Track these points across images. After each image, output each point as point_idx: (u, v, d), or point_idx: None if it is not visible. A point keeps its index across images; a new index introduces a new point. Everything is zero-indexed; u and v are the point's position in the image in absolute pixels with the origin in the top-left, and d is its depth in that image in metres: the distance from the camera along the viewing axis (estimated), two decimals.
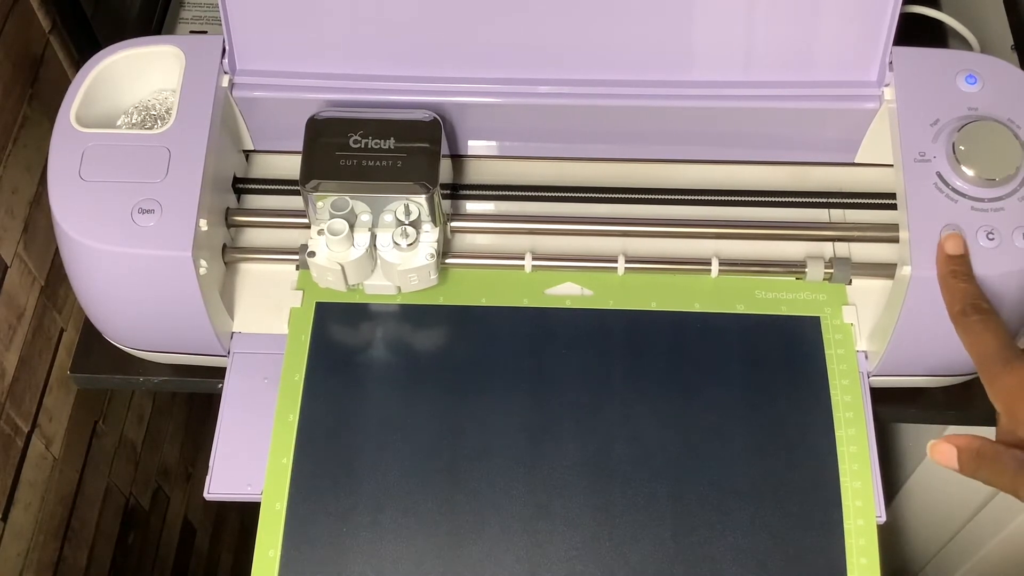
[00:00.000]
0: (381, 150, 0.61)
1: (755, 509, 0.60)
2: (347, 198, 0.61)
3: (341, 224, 0.61)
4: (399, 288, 0.65)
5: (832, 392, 0.63)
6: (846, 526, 0.59)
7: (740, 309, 0.66)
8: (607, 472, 0.61)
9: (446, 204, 0.67)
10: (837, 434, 0.62)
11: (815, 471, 0.61)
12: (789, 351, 0.64)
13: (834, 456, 0.61)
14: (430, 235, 0.62)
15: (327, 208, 0.62)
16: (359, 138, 0.62)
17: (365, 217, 0.62)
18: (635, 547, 0.59)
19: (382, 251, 0.62)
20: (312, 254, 0.62)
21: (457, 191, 0.69)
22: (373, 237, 0.62)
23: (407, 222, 0.62)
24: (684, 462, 0.61)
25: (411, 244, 0.62)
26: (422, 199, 0.61)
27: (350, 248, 0.62)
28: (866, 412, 0.63)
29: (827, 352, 0.64)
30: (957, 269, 0.57)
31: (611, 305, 0.66)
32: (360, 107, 0.65)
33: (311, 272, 0.63)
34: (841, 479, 0.61)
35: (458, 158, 0.70)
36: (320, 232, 0.62)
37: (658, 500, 0.60)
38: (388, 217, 0.62)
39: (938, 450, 0.50)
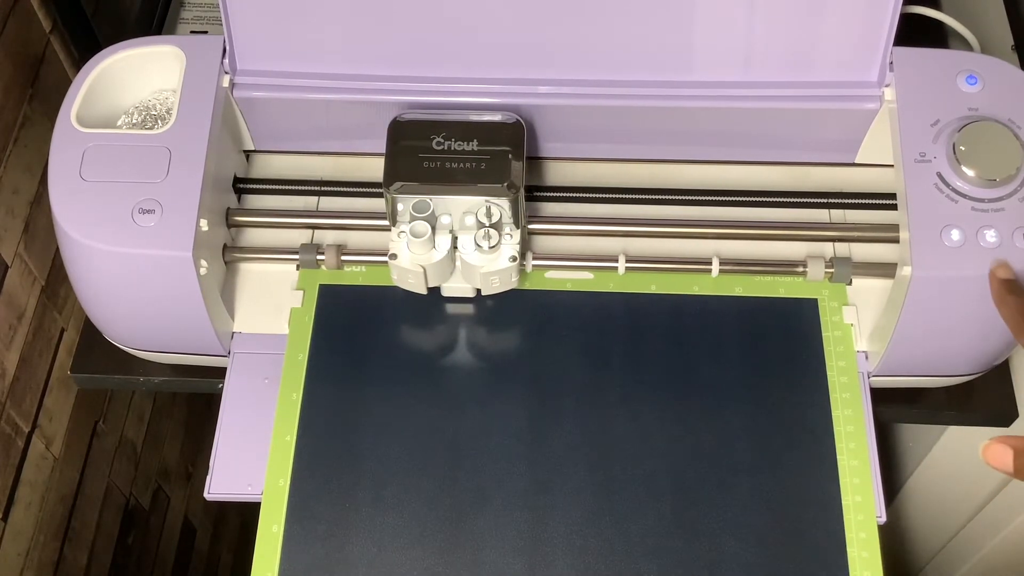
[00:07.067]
0: (464, 152, 0.62)
1: (754, 485, 0.61)
2: (428, 200, 0.61)
3: (424, 226, 0.61)
4: (478, 290, 0.65)
5: (830, 384, 0.63)
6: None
7: (738, 292, 0.66)
8: (607, 449, 0.62)
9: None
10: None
11: (812, 448, 0.61)
12: (787, 331, 0.65)
13: (831, 435, 0.62)
14: (512, 237, 0.63)
15: (408, 210, 0.62)
16: (442, 140, 0.62)
17: (445, 219, 0.62)
18: (635, 522, 0.60)
19: (464, 253, 0.62)
20: (394, 256, 0.62)
21: None
22: (454, 239, 0.62)
23: (488, 224, 0.62)
24: (683, 440, 0.62)
25: (494, 247, 0.62)
26: (505, 201, 0.61)
27: (432, 250, 0.62)
28: (866, 413, 0.63)
29: (824, 334, 0.65)
30: (1013, 284, 0.56)
31: (611, 288, 0.66)
32: (362, 107, 0.65)
33: (391, 274, 0.64)
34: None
35: None
36: (400, 234, 0.62)
37: (657, 476, 0.61)
38: (469, 219, 0.62)
39: (991, 452, 0.47)
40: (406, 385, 0.64)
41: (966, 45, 0.75)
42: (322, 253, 0.66)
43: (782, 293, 0.66)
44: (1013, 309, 0.55)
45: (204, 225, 0.60)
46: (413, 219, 0.62)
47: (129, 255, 0.59)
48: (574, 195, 0.69)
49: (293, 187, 0.69)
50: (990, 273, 0.57)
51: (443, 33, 0.64)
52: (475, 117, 0.63)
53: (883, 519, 0.60)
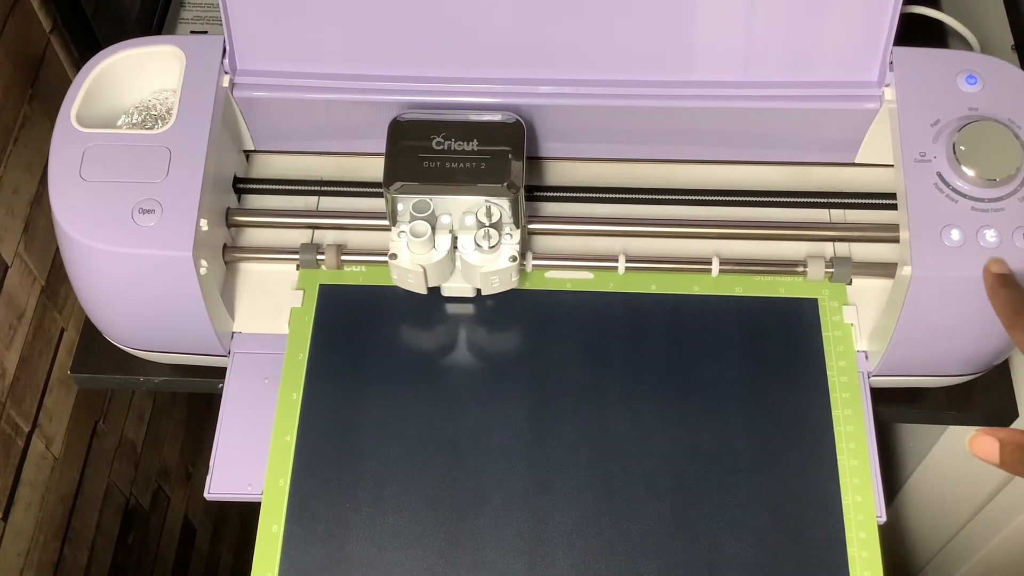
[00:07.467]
0: (464, 152, 0.62)
1: (754, 485, 0.61)
2: (428, 200, 0.62)
3: (424, 226, 0.61)
4: (478, 290, 0.65)
5: (830, 384, 0.63)
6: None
7: (739, 291, 0.66)
8: (607, 449, 0.62)
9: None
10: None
11: (813, 448, 0.61)
12: (787, 331, 0.65)
13: (831, 435, 0.62)
14: (512, 237, 0.63)
15: (408, 210, 0.62)
16: (442, 140, 0.62)
17: (446, 219, 0.62)
18: (635, 522, 0.60)
19: (464, 253, 0.62)
20: (394, 256, 0.62)
21: None
22: (454, 239, 0.62)
23: (488, 224, 0.62)
24: (683, 440, 0.62)
25: (493, 246, 0.62)
26: (505, 201, 0.61)
27: (432, 250, 0.62)
28: (866, 413, 0.63)
29: (824, 334, 0.65)
30: (1005, 278, 0.56)
31: (611, 288, 0.66)
32: (362, 107, 0.65)
33: (391, 274, 0.64)
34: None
35: None
36: (400, 234, 0.62)
37: (657, 476, 0.61)
38: (469, 219, 0.62)
39: (978, 443, 0.48)
40: (406, 385, 0.64)
41: (966, 45, 0.75)
42: (322, 253, 0.67)
43: (782, 293, 0.66)
44: (1005, 302, 0.55)
45: (204, 225, 0.60)
46: (413, 219, 0.62)
47: (129, 255, 0.59)
48: (574, 195, 0.69)
49: (293, 187, 0.69)
50: (984, 268, 0.57)
51: (443, 33, 0.64)
52: (475, 117, 0.63)
53: (883, 519, 0.60)
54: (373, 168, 0.66)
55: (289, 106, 0.66)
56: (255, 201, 0.70)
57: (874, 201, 0.67)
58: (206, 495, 0.62)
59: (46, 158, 0.62)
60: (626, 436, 0.62)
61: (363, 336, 0.66)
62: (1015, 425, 0.69)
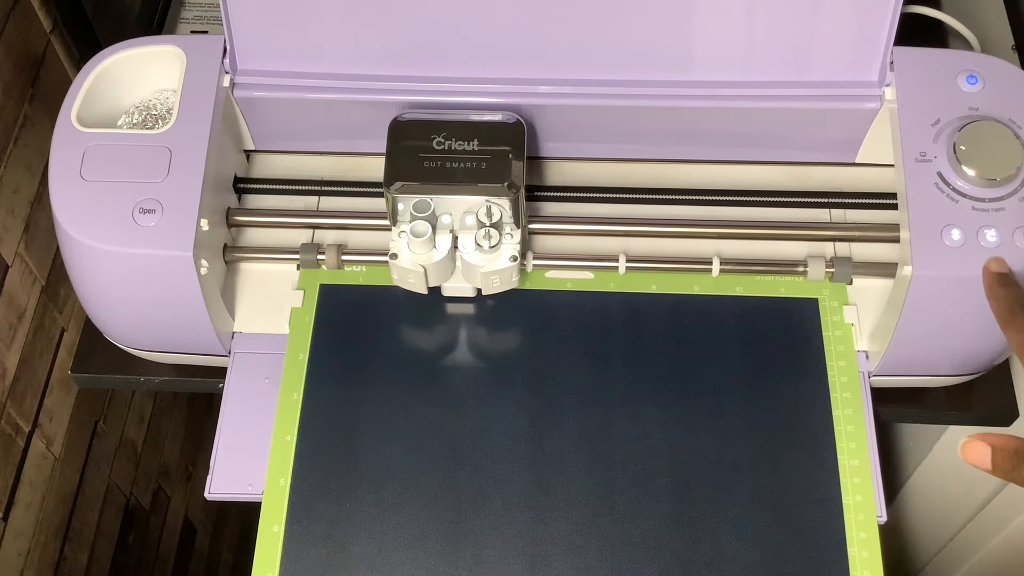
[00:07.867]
0: (464, 152, 0.62)
1: (754, 485, 0.61)
2: (429, 200, 0.62)
3: (424, 226, 0.61)
4: (479, 290, 0.65)
5: (831, 384, 0.63)
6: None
7: (739, 291, 0.66)
8: (608, 449, 0.62)
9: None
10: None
11: (813, 448, 0.61)
12: (787, 331, 0.65)
13: (831, 435, 0.62)
14: (513, 237, 0.63)
15: (408, 210, 0.62)
16: (442, 140, 0.62)
17: (446, 219, 0.62)
18: (635, 522, 0.60)
19: (465, 253, 0.62)
20: (394, 256, 0.62)
21: None
22: (454, 239, 0.62)
23: (489, 224, 0.62)
24: (683, 439, 0.62)
25: (494, 246, 0.62)
26: (506, 201, 0.61)
27: (432, 250, 0.62)
28: (866, 413, 0.63)
29: (824, 333, 0.65)
30: (1004, 277, 0.56)
31: (611, 288, 0.66)
32: (362, 106, 0.65)
33: (392, 274, 0.64)
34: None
35: None
36: (401, 234, 0.62)
37: (658, 476, 0.61)
38: (469, 219, 0.62)
39: (970, 449, 0.47)
40: (406, 385, 0.64)
41: (966, 45, 0.75)
42: (322, 253, 0.67)
43: (782, 293, 0.66)
44: (1002, 301, 0.55)
45: (204, 225, 0.60)
46: (414, 219, 0.62)
47: (129, 255, 0.59)
48: (574, 195, 0.69)
49: (293, 187, 0.69)
50: (984, 267, 0.57)
51: (443, 33, 0.64)
52: (475, 117, 0.63)
53: (883, 519, 0.60)
54: (373, 168, 0.66)
55: (289, 106, 0.66)
56: (255, 201, 0.70)
57: (874, 201, 0.67)
58: (206, 495, 0.62)
59: (46, 158, 0.62)
60: (626, 436, 0.62)
61: (363, 336, 0.66)
62: (1015, 426, 0.69)
